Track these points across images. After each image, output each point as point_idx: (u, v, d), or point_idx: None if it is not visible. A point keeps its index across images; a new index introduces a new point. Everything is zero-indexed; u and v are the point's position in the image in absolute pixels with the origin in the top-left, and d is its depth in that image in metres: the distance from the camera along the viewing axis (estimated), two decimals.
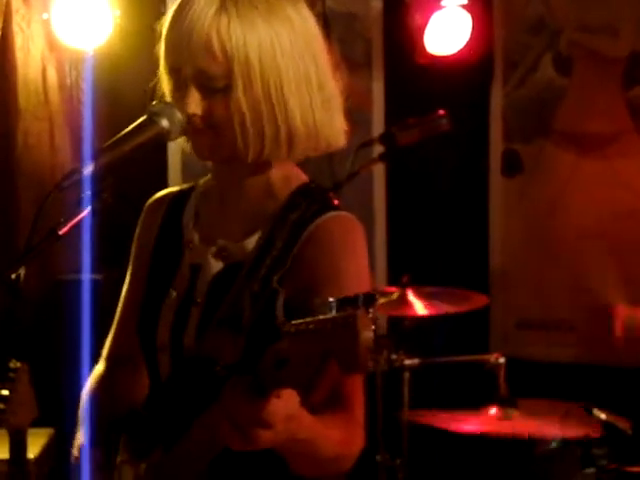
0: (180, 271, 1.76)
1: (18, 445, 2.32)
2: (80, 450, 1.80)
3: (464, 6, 4.04)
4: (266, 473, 1.67)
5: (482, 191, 4.33)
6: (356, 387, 1.64)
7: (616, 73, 4.05)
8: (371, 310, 1.28)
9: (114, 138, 1.68)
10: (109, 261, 4.21)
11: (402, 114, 3.79)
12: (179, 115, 1.68)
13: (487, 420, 3.08)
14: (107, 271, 4.08)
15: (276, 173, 1.72)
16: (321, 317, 1.28)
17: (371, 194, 4.35)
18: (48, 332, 3.93)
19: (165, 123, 1.66)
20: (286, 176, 1.73)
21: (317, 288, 1.59)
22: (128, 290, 1.91)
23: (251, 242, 1.69)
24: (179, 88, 1.68)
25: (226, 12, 1.60)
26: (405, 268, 3.75)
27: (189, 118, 1.65)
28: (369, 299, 1.30)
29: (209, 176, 1.83)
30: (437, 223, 4.34)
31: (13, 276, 1.57)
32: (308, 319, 1.29)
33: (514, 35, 4.24)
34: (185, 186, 1.87)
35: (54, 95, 4.04)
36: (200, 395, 1.62)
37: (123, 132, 1.69)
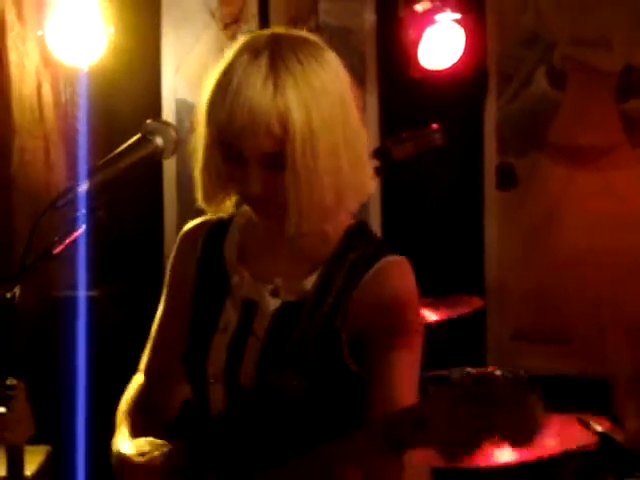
0: (229, 304, 1.80)
1: (15, 462, 2.30)
2: (116, 456, 1.81)
3: (457, 20, 4.05)
4: None
5: (477, 204, 4.34)
6: (412, 399, 1.72)
7: (610, 86, 4.07)
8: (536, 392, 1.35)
9: (108, 156, 1.69)
10: (104, 278, 4.23)
11: (396, 128, 3.81)
12: (173, 133, 1.69)
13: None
14: (102, 288, 4.10)
15: (331, 229, 1.77)
16: (482, 387, 1.33)
17: (366, 208, 4.35)
18: (44, 349, 3.93)
19: (159, 141, 1.67)
20: (335, 219, 1.76)
21: (378, 332, 1.70)
22: (164, 315, 1.94)
23: (309, 282, 1.74)
24: (233, 161, 1.69)
25: (283, 96, 1.62)
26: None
27: (250, 196, 1.69)
28: (532, 384, 1.38)
29: (246, 209, 1.83)
30: (432, 236, 4.35)
31: (8, 295, 1.57)
32: (463, 386, 1.35)
33: (508, 49, 4.25)
34: (223, 215, 1.86)
35: (49, 112, 4.04)
36: (267, 428, 1.72)
37: (117, 150, 1.69)
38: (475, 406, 1.31)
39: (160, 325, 1.95)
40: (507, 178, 4.29)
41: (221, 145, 1.69)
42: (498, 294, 4.30)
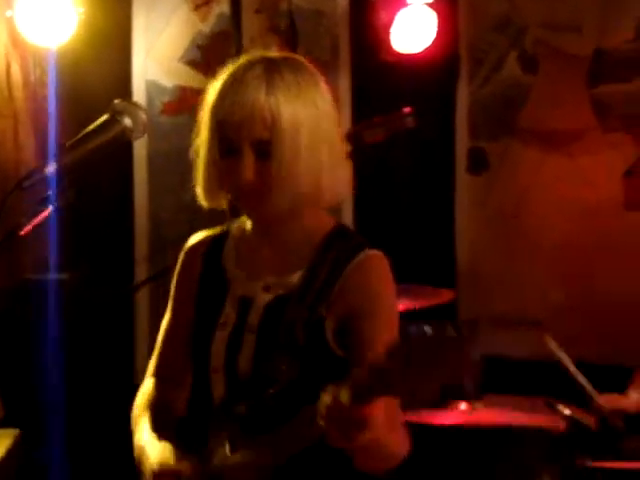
0: (228, 304, 2.01)
1: None
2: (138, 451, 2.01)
3: (430, 4, 4.04)
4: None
5: (448, 188, 4.34)
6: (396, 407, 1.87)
7: (581, 71, 4.08)
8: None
9: (77, 137, 1.67)
10: (74, 260, 4.20)
11: (368, 111, 3.80)
12: (142, 114, 1.68)
13: (454, 413, 3.09)
14: (72, 270, 4.08)
15: (310, 220, 2.00)
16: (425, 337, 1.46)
17: None
18: (14, 332, 3.91)
19: (128, 122, 1.66)
20: (317, 219, 2.01)
21: (360, 317, 1.89)
22: (171, 319, 2.14)
23: (296, 276, 1.96)
24: (228, 154, 1.91)
25: (274, 95, 1.90)
26: None
27: (241, 184, 1.89)
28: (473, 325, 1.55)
29: (240, 220, 2.08)
30: (403, 220, 4.35)
31: None
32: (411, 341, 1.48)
33: (479, 33, 4.25)
34: (218, 230, 2.10)
35: (18, 92, 4.02)
36: (266, 407, 1.91)
37: (86, 131, 1.68)
38: (417, 360, 1.45)
39: (166, 333, 2.14)
40: (478, 162, 4.30)
41: (220, 141, 1.91)
42: (469, 278, 4.31)
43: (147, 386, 2.15)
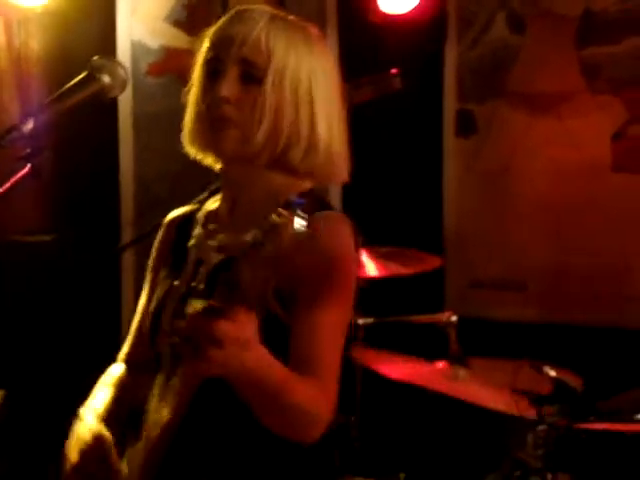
0: (186, 268, 1.91)
1: None
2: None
3: None
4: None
5: (436, 151, 4.32)
6: (331, 359, 1.76)
7: (569, 32, 4.05)
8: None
9: (55, 94, 1.65)
10: (60, 223, 4.19)
11: (355, 72, 3.77)
12: (121, 71, 1.66)
13: (437, 377, 3.09)
14: (58, 233, 4.07)
15: (286, 183, 1.85)
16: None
17: None
18: None
19: (106, 79, 1.64)
20: (289, 185, 1.85)
21: (306, 287, 1.74)
22: (145, 300, 2.03)
23: (250, 235, 1.76)
24: (214, 76, 1.81)
25: (275, 25, 1.81)
26: (358, 228, 3.74)
27: (218, 107, 1.78)
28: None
29: (216, 196, 1.98)
30: (391, 183, 4.34)
31: None
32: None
33: None
34: (196, 204, 2.02)
35: (2, 55, 3.98)
36: None
37: (64, 88, 1.66)
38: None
39: (141, 312, 2.03)
40: (467, 125, 4.28)
41: (208, 63, 1.82)
42: (457, 241, 4.30)
43: (115, 370, 2.05)
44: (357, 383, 3.46)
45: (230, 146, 1.80)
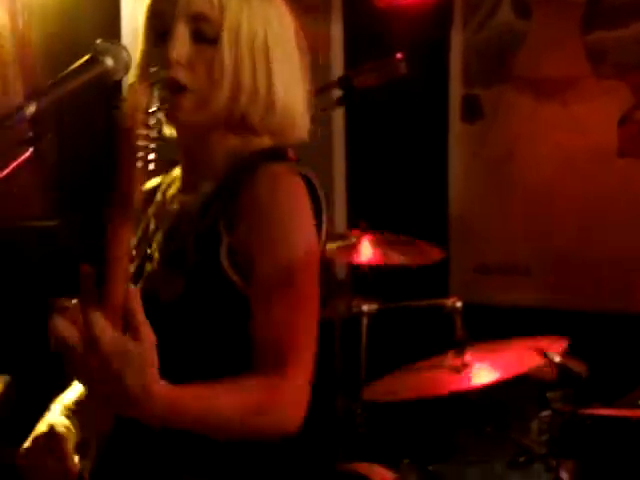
0: (143, 238, 1.79)
1: None
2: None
3: None
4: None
5: (441, 137, 4.31)
6: (299, 346, 1.59)
7: (575, 17, 4.03)
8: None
9: (57, 77, 1.64)
10: (62, 207, 4.18)
11: (361, 58, 3.77)
12: (125, 54, 1.64)
13: (444, 379, 3.09)
14: (63, 217, 4.06)
15: (247, 145, 1.74)
16: None
17: (330, 139, 4.32)
18: (2, 278, 3.89)
19: (110, 62, 1.62)
20: (249, 143, 1.75)
21: (253, 243, 1.60)
22: None
23: (206, 187, 1.72)
24: (160, 37, 1.68)
25: None
26: (364, 214, 3.73)
27: (168, 68, 1.65)
28: None
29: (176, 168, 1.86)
30: (396, 168, 4.33)
31: None
32: None
33: None
34: (156, 181, 1.90)
35: (6, 38, 3.98)
36: None
37: (66, 71, 1.65)
38: None
39: None
40: (472, 110, 4.26)
41: (155, 17, 1.69)
42: (462, 227, 4.29)
43: None
44: (362, 370, 3.46)
45: (186, 113, 1.68)
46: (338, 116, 4.27)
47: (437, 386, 3.06)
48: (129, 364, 1.30)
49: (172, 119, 1.69)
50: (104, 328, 1.30)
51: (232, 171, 1.69)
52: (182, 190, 1.79)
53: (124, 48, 1.65)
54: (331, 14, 4.27)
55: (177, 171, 1.87)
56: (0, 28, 3.97)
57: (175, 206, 1.76)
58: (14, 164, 1.57)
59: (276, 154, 1.71)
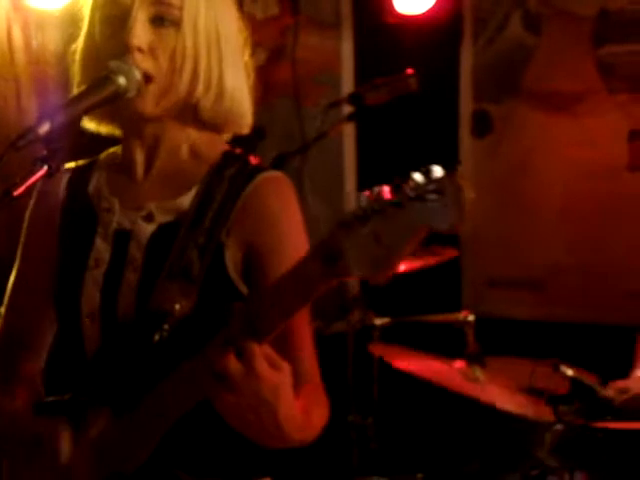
0: (99, 239, 1.73)
1: None
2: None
3: None
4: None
5: (452, 151, 4.32)
6: (314, 361, 1.68)
7: (585, 32, 4.04)
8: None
9: (71, 96, 1.66)
10: None
11: (371, 74, 3.78)
12: (136, 73, 1.66)
13: (455, 377, 3.09)
14: None
15: (199, 137, 1.73)
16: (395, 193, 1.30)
17: (341, 154, 4.34)
18: None
19: (122, 81, 1.64)
20: (209, 141, 1.74)
21: (263, 252, 1.63)
22: (21, 270, 1.84)
23: (186, 199, 1.69)
24: (114, 23, 1.65)
25: None
26: None
27: (129, 54, 1.63)
28: (452, 166, 1.33)
29: (111, 150, 1.82)
30: None
31: None
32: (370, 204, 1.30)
33: None
34: (83, 161, 1.84)
35: (20, 56, 4.00)
36: (154, 350, 1.61)
37: (80, 90, 1.67)
38: (395, 214, 1.29)
39: (14, 288, 1.84)
40: (483, 125, 4.27)
41: (104, 6, 1.66)
42: (473, 240, 4.30)
43: None
44: (374, 384, 3.46)
45: (149, 103, 1.65)
46: (349, 132, 4.28)
47: (450, 380, 3.05)
48: (277, 390, 1.44)
49: (132, 112, 1.67)
50: (262, 359, 1.42)
51: (211, 177, 1.68)
52: (145, 192, 1.73)
53: (136, 67, 1.67)
54: (341, 30, 4.28)
55: (102, 166, 1.80)
56: (14, 46, 3.99)
57: (144, 212, 1.70)
58: (27, 183, 1.58)
59: (257, 164, 1.72)
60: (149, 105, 1.66)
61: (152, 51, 1.64)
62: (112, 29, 1.66)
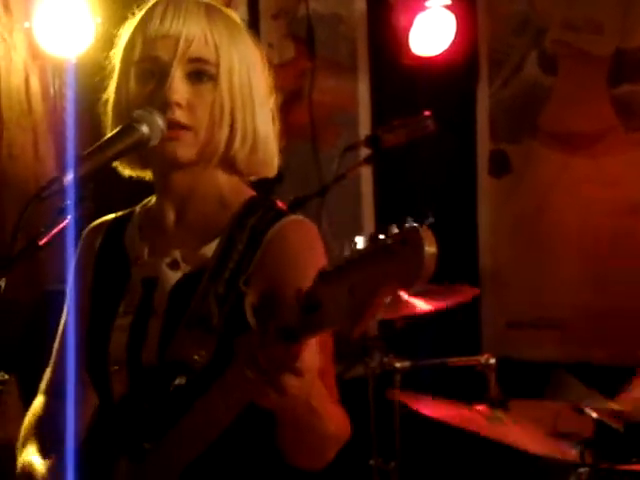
0: (130, 288, 1.75)
1: (5, 462, 2.28)
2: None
3: (448, 6, 4.04)
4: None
5: (470, 192, 4.32)
6: (333, 381, 1.67)
7: (601, 71, 4.05)
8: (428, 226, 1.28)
9: (94, 145, 1.66)
10: None
11: (388, 115, 3.80)
12: (159, 121, 1.66)
13: (478, 420, 3.06)
14: None
15: (228, 185, 1.76)
16: (363, 248, 1.25)
17: (359, 196, 4.34)
18: (36, 343, 3.90)
19: (145, 129, 1.64)
20: (236, 188, 1.77)
21: (282, 289, 1.55)
22: (67, 325, 1.86)
23: (210, 249, 1.70)
24: (149, 79, 1.69)
25: (213, 17, 1.71)
26: None
27: (171, 113, 1.66)
28: (424, 217, 1.31)
29: (147, 200, 1.85)
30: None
31: None
32: (348, 255, 1.26)
33: (499, 35, 4.23)
34: (122, 212, 1.88)
35: (37, 104, 4.02)
36: (173, 400, 1.61)
37: (104, 139, 1.67)
38: (366, 266, 1.24)
39: (61, 340, 1.88)
40: (500, 165, 4.27)
41: (141, 62, 1.70)
42: (492, 281, 4.28)
43: (36, 405, 1.87)
44: (397, 428, 3.43)
45: (186, 154, 1.69)
46: (366, 174, 4.28)
47: (474, 423, 3.01)
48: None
49: (170, 161, 1.70)
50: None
51: (234, 226, 1.69)
52: (174, 241, 1.74)
53: (159, 115, 1.68)
54: (358, 72, 4.30)
55: (142, 212, 1.83)
56: (32, 94, 4.01)
57: (169, 259, 1.72)
58: (52, 233, 1.58)
59: (281, 208, 1.74)
60: (184, 155, 1.70)
61: (190, 106, 1.68)
62: (149, 84, 1.70)
